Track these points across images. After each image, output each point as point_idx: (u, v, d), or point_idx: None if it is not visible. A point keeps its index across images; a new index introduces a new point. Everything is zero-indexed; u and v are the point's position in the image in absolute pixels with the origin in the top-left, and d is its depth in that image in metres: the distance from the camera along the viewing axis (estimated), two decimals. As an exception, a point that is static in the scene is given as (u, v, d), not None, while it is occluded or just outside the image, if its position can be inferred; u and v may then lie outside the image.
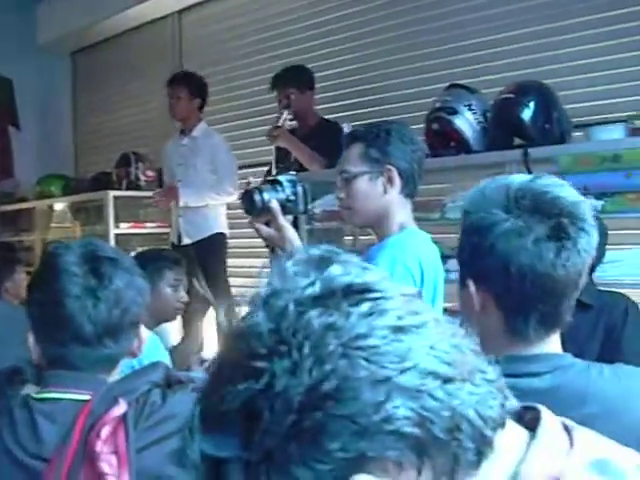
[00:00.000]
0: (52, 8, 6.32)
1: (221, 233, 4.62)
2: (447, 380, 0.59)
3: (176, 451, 1.19)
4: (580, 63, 3.52)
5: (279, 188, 2.01)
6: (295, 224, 3.87)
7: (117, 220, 5.29)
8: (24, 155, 7.05)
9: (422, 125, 3.36)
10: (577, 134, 3.16)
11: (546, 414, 0.68)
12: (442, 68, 4.00)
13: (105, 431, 1.27)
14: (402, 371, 0.57)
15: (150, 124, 6.06)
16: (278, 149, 4.15)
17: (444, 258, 3.29)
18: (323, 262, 0.63)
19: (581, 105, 3.44)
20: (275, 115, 4.20)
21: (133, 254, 3.72)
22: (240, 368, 0.59)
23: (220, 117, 5.31)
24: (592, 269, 2.55)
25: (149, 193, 5.22)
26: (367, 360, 0.57)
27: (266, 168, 4.35)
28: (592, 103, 3.45)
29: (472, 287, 1.24)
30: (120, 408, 1.30)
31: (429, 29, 4.12)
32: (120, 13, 5.67)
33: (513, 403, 0.67)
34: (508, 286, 1.20)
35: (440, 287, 2.13)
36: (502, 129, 3.09)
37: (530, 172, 2.96)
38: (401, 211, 2.12)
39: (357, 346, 0.57)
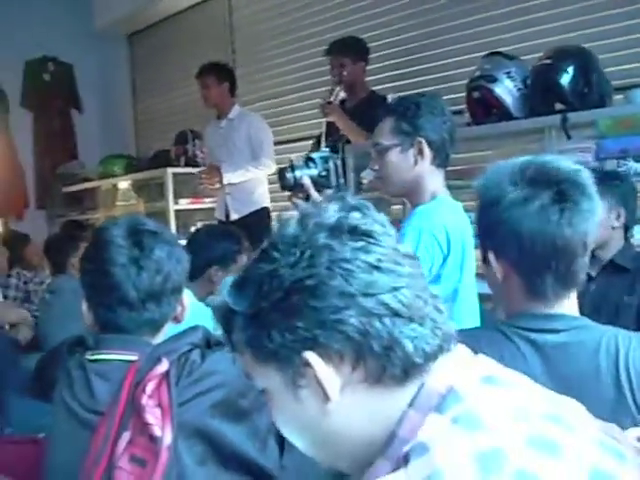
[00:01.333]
0: (108, -8, 6.47)
1: (265, 207, 4.82)
2: (396, 314, 0.81)
3: (216, 404, 1.39)
4: (619, 25, 3.48)
5: (311, 165, 2.14)
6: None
7: (177, 196, 5.46)
8: (87, 137, 7.31)
9: (463, 94, 3.41)
10: (617, 97, 3.16)
11: (462, 348, 0.88)
12: (482, 36, 4.00)
13: (150, 387, 1.41)
14: (364, 294, 0.80)
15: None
16: (328, 123, 4.25)
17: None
18: (350, 207, 0.86)
19: (621, 68, 3.41)
20: (327, 88, 4.30)
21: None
22: (265, 253, 0.85)
23: (270, 92, 5.42)
24: (626, 230, 2.60)
25: (198, 171, 5.40)
26: (342, 277, 0.80)
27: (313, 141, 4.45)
28: (632, 65, 3.42)
29: (492, 259, 1.37)
30: (163, 366, 1.43)
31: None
32: (173, -6, 5.79)
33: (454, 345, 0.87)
34: (522, 251, 1.31)
35: (469, 253, 2.19)
36: (541, 95, 3.11)
37: (569, 137, 3.00)
38: (433, 180, 2.19)
39: (339, 265, 0.81)
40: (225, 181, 4.70)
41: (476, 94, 3.28)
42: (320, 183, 2.12)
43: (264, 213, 4.78)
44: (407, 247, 0.89)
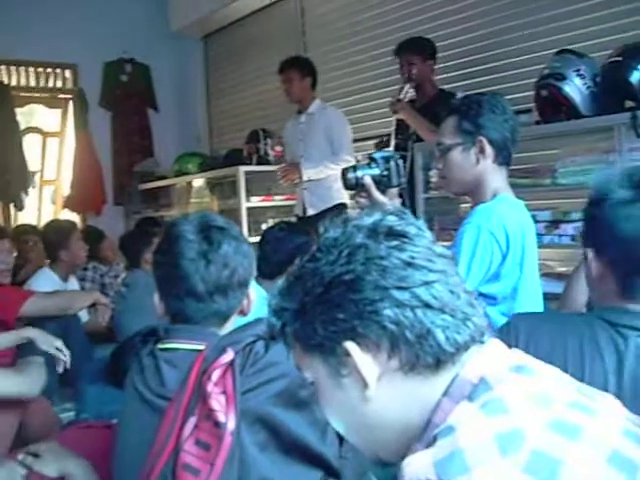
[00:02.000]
0: (183, -5, 6.62)
1: (342, 203, 4.80)
2: (428, 306, 0.87)
3: (278, 394, 1.46)
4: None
5: (373, 165, 2.16)
6: (412, 193, 4.02)
7: (249, 194, 5.56)
8: (163, 135, 7.50)
9: (532, 92, 3.39)
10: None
11: (496, 341, 0.93)
12: (552, 34, 3.96)
13: (215, 375, 1.48)
14: (397, 287, 0.87)
15: (277, 101, 6.22)
16: (398, 121, 4.27)
17: (556, 222, 3.35)
18: (388, 212, 0.94)
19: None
20: (396, 87, 4.32)
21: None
22: (310, 254, 0.94)
23: (342, 91, 5.46)
24: None
25: (278, 168, 5.48)
26: (377, 272, 0.87)
27: (383, 139, 4.48)
28: None
29: (591, 256, 1.40)
30: (228, 356, 1.49)
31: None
32: (247, -4, 5.89)
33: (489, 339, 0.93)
34: (621, 252, 1.34)
35: (529, 251, 2.18)
36: (611, 93, 3.08)
37: (639, 135, 2.96)
38: (494, 179, 2.20)
39: (374, 262, 0.88)
40: (304, 177, 4.73)
41: (544, 92, 3.26)
42: (382, 182, 2.15)
43: (341, 209, 4.75)
44: (441, 247, 0.95)
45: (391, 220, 0.93)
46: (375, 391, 0.88)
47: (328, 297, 0.89)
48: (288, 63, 4.84)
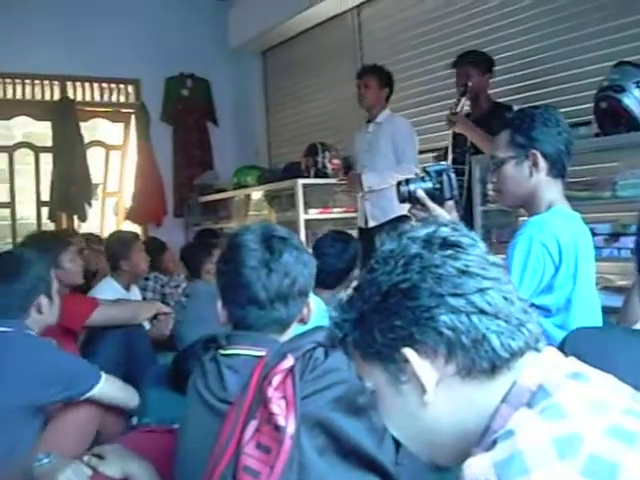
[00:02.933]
0: (242, 12, 6.71)
1: (405, 215, 4.74)
2: (483, 312, 0.90)
3: (336, 399, 1.50)
4: None
5: (426, 178, 2.21)
6: (469, 206, 4.01)
7: (307, 206, 5.60)
8: (222, 149, 7.61)
9: (591, 104, 3.37)
10: None
11: (551, 349, 0.95)
12: (610, 46, 3.92)
13: (276, 380, 1.52)
14: (452, 295, 0.90)
15: (335, 114, 6.32)
16: (455, 134, 4.25)
17: (615, 235, 3.32)
18: (442, 224, 0.98)
19: None
20: (453, 101, 4.32)
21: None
22: (370, 266, 0.98)
23: (398, 105, 5.49)
24: None
25: (336, 180, 5.52)
26: (432, 280, 0.91)
27: (440, 152, 4.48)
28: None
29: None
30: (288, 362, 1.54)
31: (593, 7, 4.05)
32: (304, 12, 5.95)
33: (543, 346, 0.95)
34: None
35: (583, 263, 2.17)
36: (671, 104, 3.05)
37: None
38: (549, 191, 2.20)
39: (430, 270, 0.91)
40: (365, 187, 4.69)
41: (604, 104, 3.25)
42: (435, 196, 2.19)
43: (403, 221, 4.70)
44: (494, 256, 0.98)
45: (445, 231, 0.96)
46: (433, 396, 0.91)
47: (386, 305, 0.93)
48: (369, 69, 4.83)
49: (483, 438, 0.89)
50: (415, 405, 0.93)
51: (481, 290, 0.91)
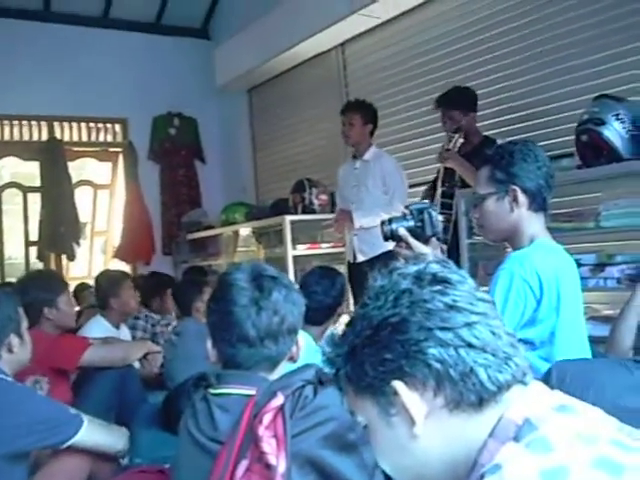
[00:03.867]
0: (228, 51, 6.79)
1: (391, 251, 4.75)
2: (470, 346, 0.92)
3: (326, 437, 1.51)
4: None
5: (408, 217, 2.28)
6: (456, 240, 4.05)
7: (295, 242, 5.63)
8: (209, 186, 7.67)
9: (573, 137, 3.43)
10: None
11: (537, 383, 0.97)
12: (589, 79, 4.00)
13: (266, 419, 1.53)
14: (441, 328, 0.92)
15: (321, 151, 6.37)
16: (445, 168, 4.29)
17: (601, 265, 3.36)
18: (432, 261, 1.01)
19: None
20: (439, 135, 4.36)
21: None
22: (362, 301, 1.01)
23: (384, 140, 5.55)
24: None
25: (323, 216, 5.55)
26: (421, 314, 0.93)
27: (429, 186, 4.52)
28: None
29: None
30: (278, 400, 1.55)
31: (573, 42, 4.13)
32: (288, 50, 6.03)
33: (530, 379, 0.97)
34: None
35: (566, 296, 2.18)
36: (651, 136, 3.11)
37: (681, 177, 2.97)
38: (531, 225, 2.23)
39: (419, 305, 0.94)
40: (356, 225, 4.70)
41: (585, 137, 3.30)
42: (417, 234, 2.24)
43: (390, 256, 4.71)
44: (482, 292, 1.01)
45: (434, 268, 0.99)
46: (422, 429, 0.93)
47: (376, 339, 0.95)
48: (352, 106, 4.82)
49: (471, 472, 0.90)
50: (405, 438, 0.95)
51: (469, 324, 0.93)
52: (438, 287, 0.96)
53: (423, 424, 0.93)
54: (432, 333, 0.92)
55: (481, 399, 0.92)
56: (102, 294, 4.26)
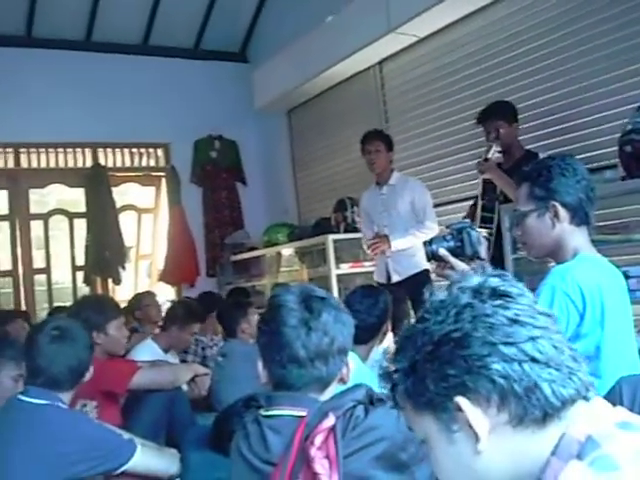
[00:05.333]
0: (266, 73, 6.86)
1: (426, 269, 4.78)
2: (534, 360, 0.91)
3: (378, 457, 1.51)
4: None
5: (448, 237, 2.32)
6: (499, 253, 4.02)
7: (338, 261, 5.67)
8: (251, 208, 7.73)
9: (616, 148, 3.40)
10: None
11: (599, 399, 0.95)
12: (632, 89, 3.97)
13: (319, 439, 1.54)
14: (504, 343, 0.91)
15: (361, 169, 6.28)
16: (485, 181, 4.27)
17: (651, 277, 3.31)
18: (490, 275, 1.00)
19: None
20: (479, 150, 4.36)
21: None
22: (419, 317, 1.00)
23: (423, 158, 5.56)
24: None
25: (367, 241, 5.54)
26: (484, 329, 0.92)
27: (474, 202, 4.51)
28: None
29: None
30: (330, 421, 1.56)
31: (614, 52, 4.10)
32: (326, 71, 6.08)
33: (593, 394, 0.96)
34: None
35: (611, 309, 2.15)
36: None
37: None
38: (573, 239, 2.22)
39: (481, 319, 0.93)
40: (393, 248, 4.74)
41: (628, 148, 3.27)
42: (457, 253, 2.26)
43: (425, 275, 4.71)
44: (543, 306, 1.00)
45: (494, 282, 0.98)
46: (485, 445, 0.92)
47: (438, 354, 0.94)
48: (375, 134, 4.93)
49: None
50: (467, 454, 0.93)
51: (532, 338, 0.92)
52: (499, 301, 0.95)
53: (486, 440, 0.92)
54: (496, 348, 0.91)
55: (545, 414, 0.91)
56: (171, 320, 4.33)
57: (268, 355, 1.74)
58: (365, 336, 3.03)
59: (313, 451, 1.52)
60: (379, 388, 1.65)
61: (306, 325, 1.69)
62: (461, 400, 0.92)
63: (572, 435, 0.90)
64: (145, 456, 2.51)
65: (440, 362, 0.94)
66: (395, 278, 4.86)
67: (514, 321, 0.93)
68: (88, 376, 2.59)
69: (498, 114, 4.18)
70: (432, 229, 4.69)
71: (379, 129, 5.03)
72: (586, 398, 0.94)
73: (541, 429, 0.91)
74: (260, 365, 1.77)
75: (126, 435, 2.63)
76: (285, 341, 1.68)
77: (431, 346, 0.95)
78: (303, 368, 1.69)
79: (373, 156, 4.87)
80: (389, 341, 3.12)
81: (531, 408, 0.91)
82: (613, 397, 1.68)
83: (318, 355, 1.69)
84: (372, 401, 1.66)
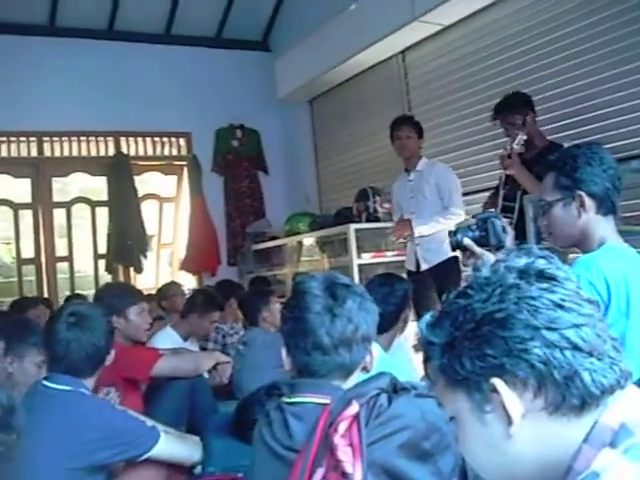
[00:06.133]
0: (288, 62, 6.84)
1: (455, 257, 4.75)
2: (577, 348, 0.89)
3: (402, 445, 1.50)
4: None
5: (473, 227, 2.31)
6: (521, 244, 3.98)
7: (360, 251, 5.63)
8: (273, 197, 7.74)
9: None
10: None
11: (632, 387, 0.93)
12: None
13: (342, 427, 1.53)
14: (548, 328, 0.89)
15: (383, 158, 6.33)
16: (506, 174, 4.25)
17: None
18: (537, 256, 0.98)
19: None
20: (500, 141, 4.31)
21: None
22: (461, 292, 0.98)
23: (447, 147, 5.52)
24: None
25: (387, 224, 5.53)
26: (528, 312, 0.90)
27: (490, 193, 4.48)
28: None
29: None
30: (353, 408, 1.55)
31: (639, 41, 4.04)
32: (349, 60, 6.05)
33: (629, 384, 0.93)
34: None
35: (637, 299, 2.10)
36: None
37: None
38: (600, 229, 2.18)
39: (526, 302, 0.91)
40: (416, 233, 4.74)
41: (656, 137, 3.22)
42: (481, 243, 2.25)
43: (454, 262, 4.64)
44: (587, 293, 0.97)
45: (541, 263, 0.96)
46: (518, 429, 0.90)
47: (479, 333, 0.92)
48: (409, 121, 4.94)
49: (566, 478, 0.88)
50: (498, 436, 0.92)
51: (576, 326, 0.90)
52: (546, 284, 0.93)
53: (519, 424, 0.90)
54: (539, 332, 0.89)
55: (584, 403, 0.89)
56: (190, 309, 4.34)
57: (292, 342, 1.73)
58: (384, 325, 3.02)
59: (337, 439, 1.51)
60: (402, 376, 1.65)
61: (330, 312, 1.68)
62: (497, 382, 0.90)
63: (605, 423, 0.88)
64: (168, 443, 2.52)
65: (480, 341, 0.92)
66: (424, 266, 4.83)
67: (559, 306, 0.91)
68: (109, 360, 2.60)
69: (510, 107, 4.14)
70: (457, 215, 4.67)
71: (409, 115, 4.99)
72: (623, 388, 0.92)
73: (578, 417, 0.89)
74: (284, 352, 1.77)
75: (149, 422, 2.65)
76: (309, 328, 1.68)
77: (472, 324, 0.93)
78: (327, 355, 1.68)
79: (404, 141, 4.87)
80: (411, 329, 3.11)
81: (569, 396, 0.89)
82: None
83: (342, 342, 1.68)
84: (396, 389, 1.65)
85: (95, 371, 2.54)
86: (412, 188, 4.92)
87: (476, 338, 0.92)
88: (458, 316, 0.95)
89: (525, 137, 4.08)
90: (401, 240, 5.06)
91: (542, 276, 0.94)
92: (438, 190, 4.77)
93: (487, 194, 4.75)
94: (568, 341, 0.89)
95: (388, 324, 3.05)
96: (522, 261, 0.96)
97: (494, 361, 0.90)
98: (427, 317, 1.01)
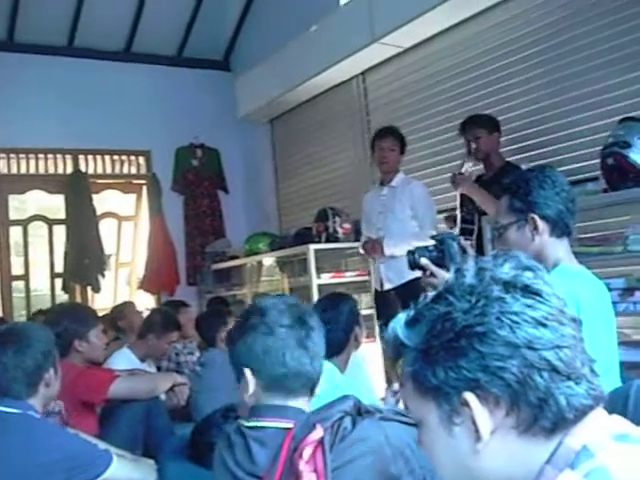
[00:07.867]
0: (249, 83, 6.84)
1: (419, 278, 4.68)
2: (555, 370, 0.86)
3: (367, 469, 1.48)
4: None
5: (431, 247, 2.32)
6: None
7: (319, 271, 5.63)
8: (233, 216, 7.70)
9: (598, 160, 3.42)
10: None
11: (599, 409, 0.91)
12: (614, 102, 3.98)
13: (307, 452, 1.51)
14: (528, 347, 0.86)
15: (344, 179, 6.38)
16: (462, 194, 4.27)
17: (630, 290, 3.32)
18: (524, 267, 0.94)
19: None
20: (458, 162, 4.36)
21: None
22: (442, 296, 0.93)
23: (406, 168, 5.54)
24: None
25: (347, 245, 5.54)
26: (510, 328, 0.87)
27: (451, 213, 4.51)
28: None
29: None
30: (318, 433, 1.54)
31: (597, 65, 4.12)
32: (309, 80, 6.06)
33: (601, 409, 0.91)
34: None
35: (589, 319, 2.08)
36: (679, 157, 3.09)
37: None
38: (554, 251, 2.22)
39: (509, 317, 0.87)
40: (387, 253, 4.65)
41: (610, 160, 3.29)
42: (438, 263, 2.27)
43: (417, 284, 4.65)
44: (573, 311, 0.95)
45: (528, 277, 0.92)
46: (486, 445, 0.88)
47: (456, 345, 0.88)
48: (393, 132, 4.80)
49: None
50: (465, 450, 0.90)
51: (557, 347, 0.87)
52: (530, 300, 0.89)
53: (487, 441, 0.88)
54: (519, 351, 0.86)
55: (555, 425, 0.87)
56: (147, 327, 4.26)
57: (259, 358, 1.68)
58: (336, 349, 3.00)
59: (302, 465, 1.49)
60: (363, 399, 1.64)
61: (304, 325, 1.70)
62: (469, 396, 0.87)
63: (568, 444, 0.86)
64: (121, 467, 2.47)
65: (456, 353, 0.88)
66: (387, 286, 4.75)
67: (542, 324, 0.88)
68: (54, 378, 2.51)
69: (477, 123, 4.20)
70: (429, 237, 4.61)
71: (394, 126, 4.88)
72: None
73: (547, 439, 0.88)
74: (248, 372, 1.69)
75: (102, 445, 2.59)
76: (283, 342, 1.67)
77: (451, 334, 0.89)
78: (303, 369, 1.67)
79: (386, 153, 4.74)
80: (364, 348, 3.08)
81: (542, 418, 0.86)
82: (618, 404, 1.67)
83: (316, 355, 1.69)
84: (360, 412, 1.64)
85: (34, 392, 2.44)
86: (383, 204, 4.80)
87: (453, 350, 0.89)
88: (436, 324, 0.91)
89: (471, 163, 4.15)
90: (370, 258, 5.02)
91: (527, 290, 0.90)
92: (411, 209, 4.67)
93: (441, 216, 4.79)
94: (547, 363, 0.86)
95: (339, 347, 3.02)
96: (508, 271, 0.93)
97: (469, 375, 0.88)
98: (402, 317, 0.98)
